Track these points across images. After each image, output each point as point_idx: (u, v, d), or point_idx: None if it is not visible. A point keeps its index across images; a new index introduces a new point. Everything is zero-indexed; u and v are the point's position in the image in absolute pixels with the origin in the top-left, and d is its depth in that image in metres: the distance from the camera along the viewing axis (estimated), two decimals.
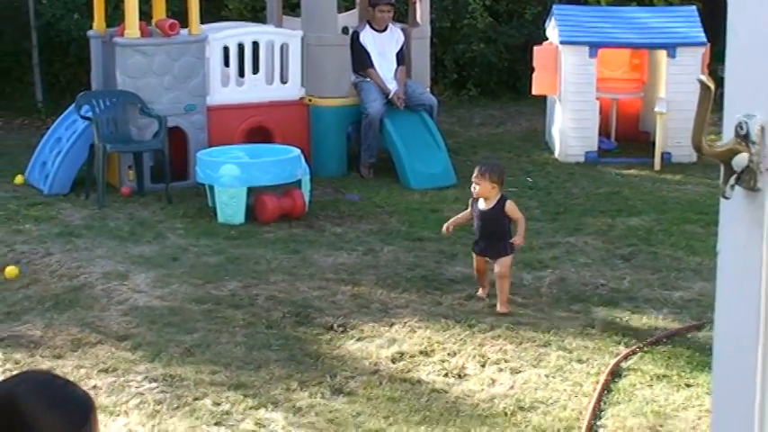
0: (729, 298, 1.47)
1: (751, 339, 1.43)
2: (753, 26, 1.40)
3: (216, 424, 6.73)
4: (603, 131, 13.46)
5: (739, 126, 1.40)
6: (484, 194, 8.62)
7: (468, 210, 8.87)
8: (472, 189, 8.68)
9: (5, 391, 2.49)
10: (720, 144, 1.43)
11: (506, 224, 8.64)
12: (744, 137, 1.40)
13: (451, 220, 9.04)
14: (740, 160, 1.41)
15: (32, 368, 3.29)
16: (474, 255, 8.79)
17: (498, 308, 8.47)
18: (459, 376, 7.46)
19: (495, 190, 8.60)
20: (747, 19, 1.42)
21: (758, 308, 1.41)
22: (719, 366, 1.53)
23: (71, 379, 7.07)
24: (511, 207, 8.65)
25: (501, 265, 8.52)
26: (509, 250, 8.59)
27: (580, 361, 7.69)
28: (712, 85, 1.46)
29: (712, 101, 1.47)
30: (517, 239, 8.59)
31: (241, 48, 12.31)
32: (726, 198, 1.46)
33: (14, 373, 2.83)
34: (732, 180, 1.43)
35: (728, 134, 1.44)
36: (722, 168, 1.44)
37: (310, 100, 12.60)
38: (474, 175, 8.70)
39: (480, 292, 8.79)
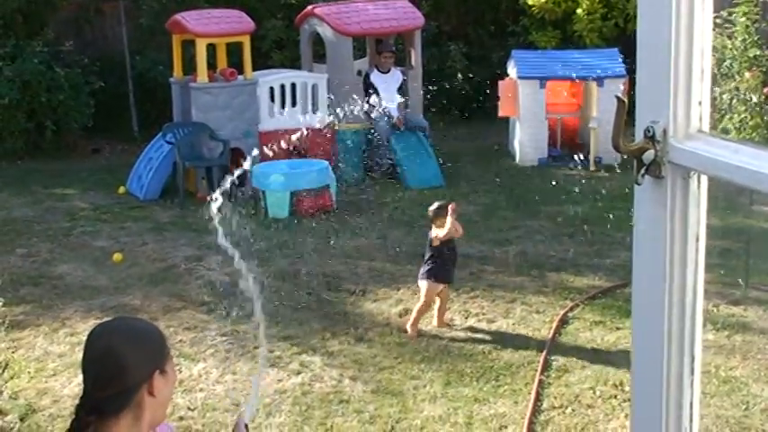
0: (643, 259, 1.45)
1: (659, 290, 1.41)
2: (653, 59, 1.39)
3: (271, 366, 6.72)
4: (551, 142, 13.41)
5: (647, 130, 1.39)
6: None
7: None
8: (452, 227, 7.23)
9: (104, 343, 2.51)
10: (633, 144, 1.41)
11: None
12: (650, 138, 1.39)
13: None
14: (648, 155, 1.39)
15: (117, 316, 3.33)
16: (442, 285, 7.35)
17: (438, 323, 7.43)
18: (449, 326, 7.44)
19: None
20: (649, 54, 1.41)
21: (664, 265, 1.39)
22: (637, 312, 1.51)
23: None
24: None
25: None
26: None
27: (538, 312, 7.67)
28: (626, 100, 1.45)
29: (626, 112, 1.45)
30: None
31: (282, 87, 12.28)
32: (638, 184, 1.44)
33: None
34: (643, 171, 1.42)
35: (639, 136, 1.42)
36: (635, 162, 1.42)
37: (335, 125, 12.57)
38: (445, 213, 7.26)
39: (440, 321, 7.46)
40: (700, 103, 1.36)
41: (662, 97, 1.36)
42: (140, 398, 2.48)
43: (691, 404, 1.46)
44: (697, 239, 1.39)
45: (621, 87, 12.55)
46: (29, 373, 6.70)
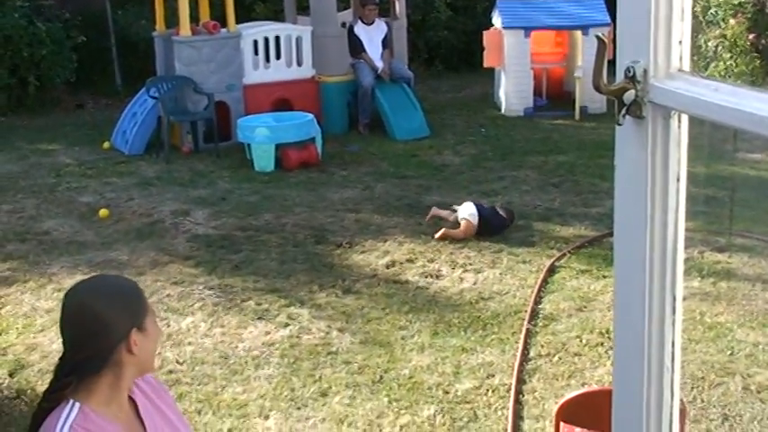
0: (625, 199, 1.46)
1: (641, 229, 1.42)
2: None
3: (258, 319, 6.74)
4: (537, 92, 13.40)
5: (627, 70, 1.39)
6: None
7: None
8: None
9: (78, 301, 2.48)
10: (614, 84, 1.42)
11: None
12: (631, 78, 1.39)
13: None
14: (629, 96, 1.39)
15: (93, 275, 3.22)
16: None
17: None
18: (437, 277, 7.47)
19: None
20: None
21: (645, 205, 1.40)
22: (619, 251, 1.52)
23: (152, 290, 7.08)
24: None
25: None
26: None
27: (525, 262, 7.70)
28: (606, 40, 1.46)
29: (606, 53, 1.46)
30: None
31: (266, 40, 12.21)
32: (619, 125, 1.45)
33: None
34: (623, 111, 1.42)
35: (620, 77, 1.43)
36: (616, 103, 1.43)
37: (319, 78, 12.52)
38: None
39: None
40: (680, 43, 1.36)
41: (642, 37, 1.36)
42: (119, 356, 2.45)
43: (672, 343, 1.47)
44: (678, 180, 1.39)
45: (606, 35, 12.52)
46: (17, 328, 6.71)
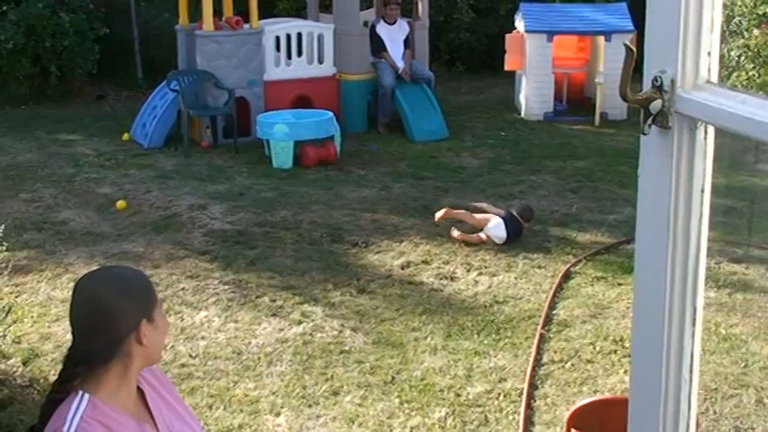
0: (648, 209, 1.46)
1: (663, 240, 1.41)
2: (663, 8, 1.38)
3: (272, 315, 6.75)
4: (557, 97, 13.36)
5: (655, 79, 1.39)
6: None
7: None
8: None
9: (89, 292, 2.48)
10: (641, 93, 1.41)
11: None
12: (658, 87, 1.38)
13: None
14: (655, 105, 1.39)
15: (103, 266, 3.15)
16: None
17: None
18: (451, 279, 7.46)
19: None
20: (660, 3, 1.40)
21: (668, 216, 1.39)
22: (641, 262, 1.51)
23: (167, 284, 7.09)
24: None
25: None
26: None
27: (540, 267, 7.68)
28: (634, 48, 1.45)
29: (634, 61, 1.45)
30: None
31: (288, 37, 12.21)
32: (645, 135, 1.44)
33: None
34: (649, 121, 1.41)
35: (647, 86, 1.42)
36: (642, 112, 1.42)
37: (340, 76, 12.52)
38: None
39: None
40: (709, 54, 1.35)
41: (671, 47, 1.35)
42: (129, 347, 2.45)
43: (691, 355, 1.47)
44: (702, 191, 1.39)
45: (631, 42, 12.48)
46: (32, 317, 6.73)
